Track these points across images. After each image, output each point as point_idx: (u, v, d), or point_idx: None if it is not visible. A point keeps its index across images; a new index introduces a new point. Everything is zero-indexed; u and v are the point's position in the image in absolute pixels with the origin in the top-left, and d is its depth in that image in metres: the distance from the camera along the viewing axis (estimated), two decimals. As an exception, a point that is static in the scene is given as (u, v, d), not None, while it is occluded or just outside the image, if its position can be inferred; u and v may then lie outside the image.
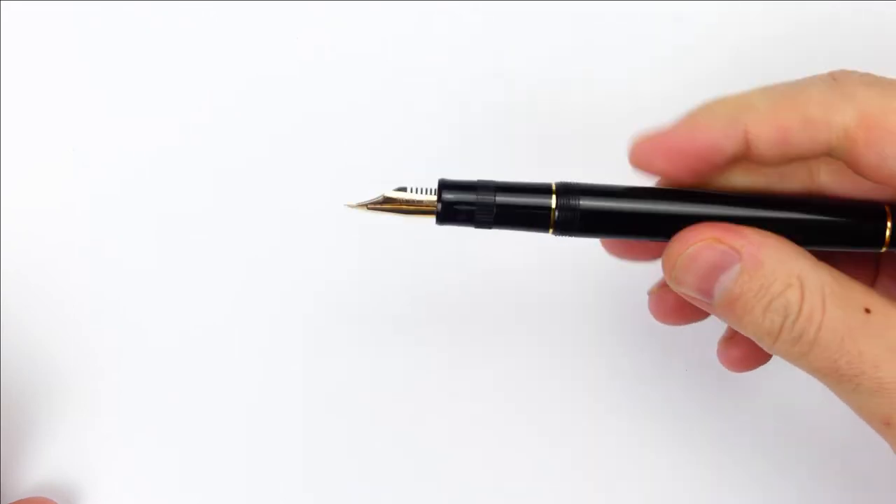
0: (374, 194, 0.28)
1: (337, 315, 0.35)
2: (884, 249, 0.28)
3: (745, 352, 0.31)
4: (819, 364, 0.26)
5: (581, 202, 0.28)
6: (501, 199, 0.28)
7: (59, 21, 0.36)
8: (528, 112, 0.36)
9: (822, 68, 0.27)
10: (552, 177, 0.28)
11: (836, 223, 0.28)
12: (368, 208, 0.28)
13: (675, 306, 0.31)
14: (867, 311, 0.26)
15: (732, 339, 0.31)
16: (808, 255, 0.27)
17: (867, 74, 0.27)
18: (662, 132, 0.27)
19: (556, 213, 0.28)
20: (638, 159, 0.28)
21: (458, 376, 0.35)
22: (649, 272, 0.31)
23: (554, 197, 0.28)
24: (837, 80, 0.26)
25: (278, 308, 0.35)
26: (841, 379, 0.26)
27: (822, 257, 0.27)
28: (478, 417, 0.35)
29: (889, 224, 0.28)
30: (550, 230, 0.28)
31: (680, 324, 0.31)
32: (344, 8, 0.36)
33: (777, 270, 0.26)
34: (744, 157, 0.27)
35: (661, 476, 0.35)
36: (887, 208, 0.28)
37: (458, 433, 0.35)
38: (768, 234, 0.27)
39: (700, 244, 0.27)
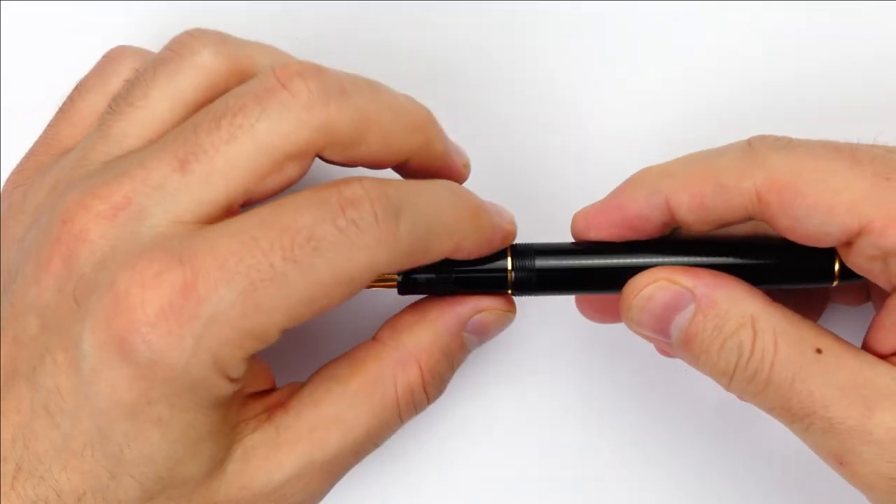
0: None
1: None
2: (835, 283, 0.29)
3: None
4: (773, 403, 0.27)
5: (536, 262, 0.29)
6: (458, 271, 0.29)
7: (59, 21, 0.36)
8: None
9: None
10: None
11: (787, 262, 0.29)
12: None
13: (600, 306, 0.32)
14: (818, 351, 0.27)
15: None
16: (761, 294, 0.28)
17: (782, 138, 0.27)
18: (595, 207, 0.29)
19: (513, 275, 0.29)
20: (577, 233, 0.29)
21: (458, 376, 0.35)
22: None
23: (509, 259, 0.29)
24: (751, 146, 0.27)
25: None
26: (793, 419, 0.27)
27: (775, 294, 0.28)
28: (475, 418, 0.35)
29: (837, 259, 0.28)
30: (509, 291, 0.29)
31: (606, 322, 0.32)
32: (344, 8, 0.36)
33: (731, 310, 0.27)
34: (673, 222, 0.28)
35: (661, 476, 0.35)
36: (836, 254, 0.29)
37: (456, 434, 0.35)
38: (721, 274, 0.28)
39: (654, 286, 0.28)
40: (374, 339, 0.29)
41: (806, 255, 0.28)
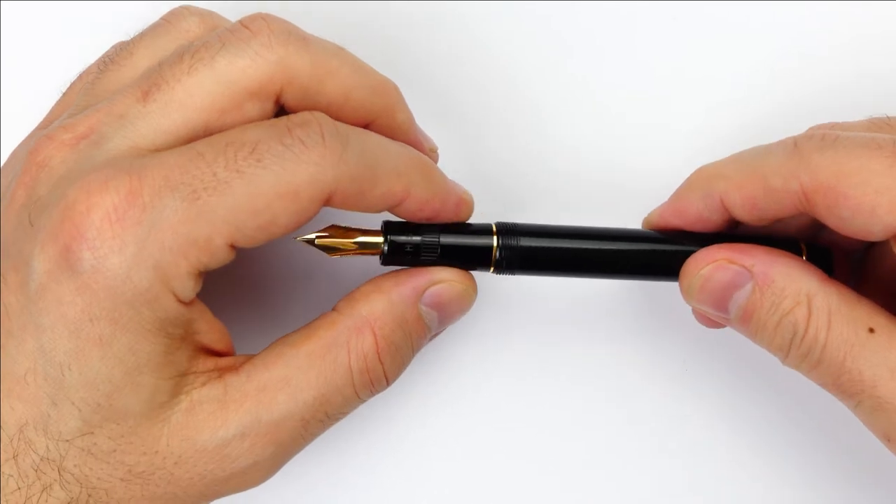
0: (321, 230, 0.29)
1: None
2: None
3: None
4: (825, 380, 0.28)
5: (521, 241, 0.29)
6: (446, 239, 0.29)
7: (59, 21, 0.36)
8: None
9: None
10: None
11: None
12: (315, 244, 0.29)
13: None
14: (871, 330, 0.27)
15: None
16: (817, 271, 0.28)
17: (827, 136, 0.27)
18: (658, 212, 0.30)
19: (498, 252, 0.29)
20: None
21: (459, 376, 0.35)
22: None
23: (495, 237, 0.29)
24: (797, 147, 0.28)
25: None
26: (844, 395, 0.28)
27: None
28: (474, 417, 0.35)
29: (805, 257, 0.30)
30: (492, 268, 0.29)
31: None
32: (345, 8, 0.36)
33: (787, 288, 0.28)
34: (733, 219, 0.29)
35: (660, 477, 0.35)
36: (803, 246, 0.30)
37: (456, 433, 0.35)
38: (778, 251, 0.29)
39: (713, 265, 0.29)
40: (332, 309, 0.29)
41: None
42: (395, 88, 0.30)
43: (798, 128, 0.33)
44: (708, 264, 0.29)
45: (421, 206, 0.28)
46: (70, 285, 0.25)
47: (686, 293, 0.29)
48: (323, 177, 0.26)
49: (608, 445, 0.35)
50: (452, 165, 0.33)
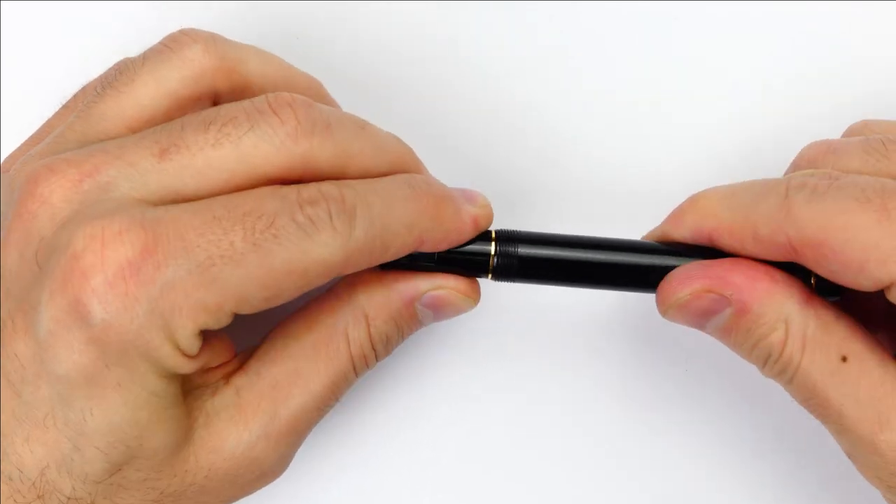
0: None
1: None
2: None
3: None
4: (796, 397, 0.29)
5: (520, 249, 0.29)
6: (441, 254, 0.29)
7: (59, 21, 0.36)
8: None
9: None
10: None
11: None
12: None
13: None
14: (844, 359, 0.27)
15: None
16: (799, 289, 0.28)
17: (819, 187, 0.27)
18: (651, 235, 0.30)
19: (495, 260, 0.29)
20: None
21: (463, 375, 0.35)
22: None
23: (493, 244, 0.29)
24: (787, 198, 0.27)
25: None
26: (812, 412, 0.28)
27: None
28: (476, 417, 0.35)
29: (813, 277, 0.29)
30: (489, 275, 0.29)
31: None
32: (346, 7, 0.36)
33: (764, 315, 0.28)
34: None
35: (660, 478, 0.35)
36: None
37: (460, 433, 0.35)
38: (759, 269, 0.28)
39: (690, 294, 0.28)
40: (329, 291, 0.29)
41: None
42: (414, 158, 0.30)
43: (798, 128, 0.33)
44: (685, 290, 0.28)
45: (437, 245, 0.29)
46: (80, 335, 0.25)
47: (661, 311, 0.29)
48: (332, 258, 0.26)
49: (608, 446, 0.35)
50: (458, 167, 0.33)
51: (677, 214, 0.30)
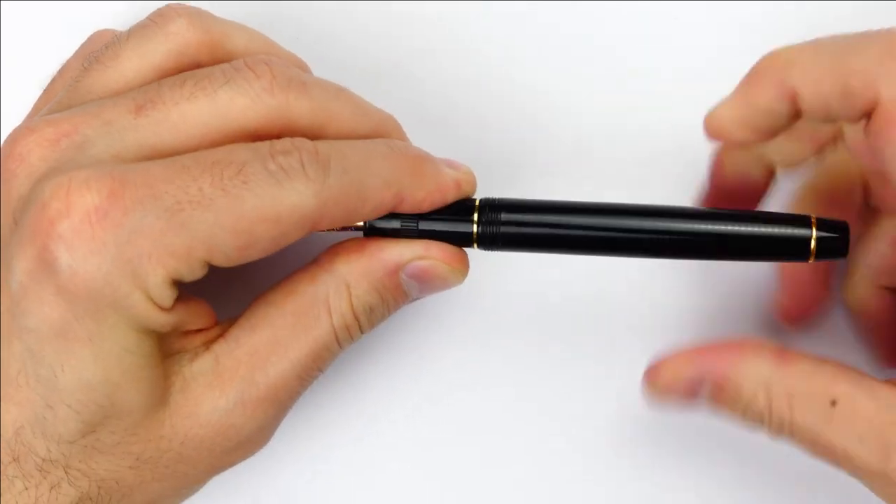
0: None
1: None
2: (811, 260, 0.29)
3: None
4: (807, 452, 0.28)
5: (503, 215, 0.28)
6: (425, 225, 0.29)
7: (59, 21, 0.36)
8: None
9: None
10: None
11: (763, 235, 0.28)
12: None
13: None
14: (833, 403, 0.27)
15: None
16: (773, 352, 0.28)
17: None
18: (724, 106, 0.28)
19: (479, 228, 0.28)
20: (712, 136, 0.29)
21: (464, 374, 0.35)
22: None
23: (476, 212, 0.29)
24: (890, 52, 0.26)
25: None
26: (824, 460, 0.28)
27: None
28: (478, 415, 0.35)
29: (815, 235, 0.28)
30: (475, 244, 0.29)
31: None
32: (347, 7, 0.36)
33: (744, 384, 0.28)
34: (796, 116, 0.28)
35: (661, 479, 0.35)
36: (813, 218, 0.28)
37: (463, 429, 0.35)
38: (725, 346, 0.28)
39: (668, 383, 0.29)
40: (312, 261, 0.29)
41: (785, 227, 0.28)
42: (396, 125, 0.30)
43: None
44: (659, 380, 0.29)
45: (418, 204, 0.28)
46: (49, 287, 0.25)
47: (650, 402, 0.30)
48: (305, 205, 0.26)
49: (605, 442, 0.35)
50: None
51: (756, 72, 0.28)
